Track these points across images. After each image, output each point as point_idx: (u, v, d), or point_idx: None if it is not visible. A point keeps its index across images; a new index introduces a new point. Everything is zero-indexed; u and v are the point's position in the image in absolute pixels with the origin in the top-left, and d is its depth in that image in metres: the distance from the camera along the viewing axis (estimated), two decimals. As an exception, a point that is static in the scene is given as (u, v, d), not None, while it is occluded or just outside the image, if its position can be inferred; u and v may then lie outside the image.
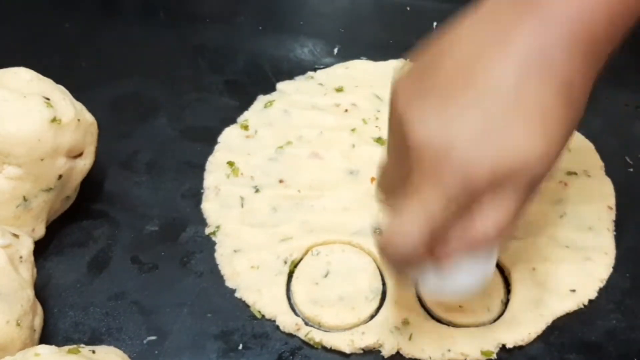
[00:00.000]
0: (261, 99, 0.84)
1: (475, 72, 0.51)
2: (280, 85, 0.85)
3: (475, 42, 0.52)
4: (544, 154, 0.51)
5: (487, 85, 0.51)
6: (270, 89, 0.85)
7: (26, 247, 0.63)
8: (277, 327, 0.66)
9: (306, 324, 0.66)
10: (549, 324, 0.67)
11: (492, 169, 0.50)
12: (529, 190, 0.52)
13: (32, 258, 0.63)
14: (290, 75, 0.87)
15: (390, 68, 0.88)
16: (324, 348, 0.65)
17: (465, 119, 0.50)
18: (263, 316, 0.67)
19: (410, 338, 0.65)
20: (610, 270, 0.70)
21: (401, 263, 0.54)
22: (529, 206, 0.54)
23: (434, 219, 0.51)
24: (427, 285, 0.57)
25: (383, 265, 0.69)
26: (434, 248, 0.53)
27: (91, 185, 0.74)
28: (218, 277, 0.69)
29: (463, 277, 0.55)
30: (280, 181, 0.76)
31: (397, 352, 0.65)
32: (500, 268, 0.70)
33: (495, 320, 0.67)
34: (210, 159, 0.78)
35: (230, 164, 0.77)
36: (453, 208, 0.51)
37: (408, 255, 0.52)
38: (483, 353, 0.64)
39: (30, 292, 0.61)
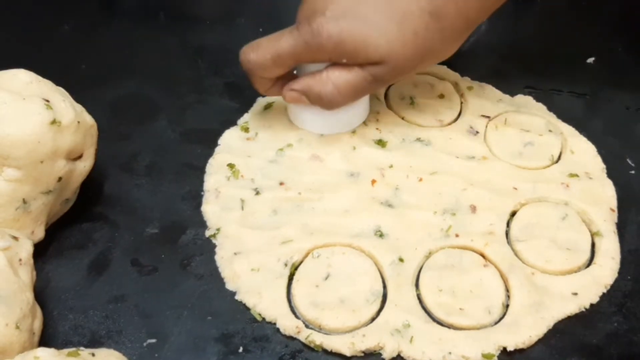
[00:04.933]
0: (260, 101, 0.84)
1: None
2: None
3: None
4: (389, 49, 0.68)
5: None
6: (270, 91, 0.85)
7: (25, 249, 0.63)
8: (278, 329, 0.66)
9: (307, 326, 0.66)
10: (550, 327, 0.67)
11: (339, 38, 0.67)
12: (372, 76, 0.70)
13: (31, 261, 0.63)
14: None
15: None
16: (325, 351, 0.65)
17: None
18: (263, 319, 0.67)
19: (411, 341, 0.65)
20: (616, 275, 0.70)
21: (253, 72, 0.74)
22: (370, 90, 0.73)
23: (281, 52, 0.70)
24: (290, 109, 0.80)
25: (382, 269, 0.69)
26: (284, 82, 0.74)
27: (91, 187, 0.74)
28: (218, 280, 0.69)
29: (304, 116, 0.78)
30: (281, 183, 0.75)
31: (398, 355, 0.65)
32: (500, 270, 0.70)
33: (496, 323, 0.67)
34: (211, 161, 0.78)
35: (231, 166, 0.77)
36: (300, 52, 0.70)
37: (258, 67, 0.72)
38: (484, 356, 0.64)
39: (29, 295, 0.60)
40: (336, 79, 0.71)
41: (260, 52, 0.71)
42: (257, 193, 0.75)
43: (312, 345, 0.65)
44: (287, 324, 0.66)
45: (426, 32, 0.68)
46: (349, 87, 0.71)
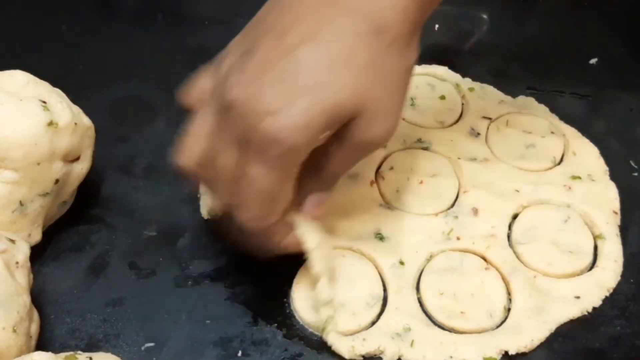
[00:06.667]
0: None
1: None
2: None
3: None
4: (358, 96, 0.56)
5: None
6: (270, 91, 0.85)
7: (22, 252, 0.62)
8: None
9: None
10: (552, 331, 0.66)
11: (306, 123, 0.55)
12: (287, 164, 0.57)
13: (28, 263, 0.63)
14: (290, 78, 0.86)
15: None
16: (324, 354, 0.64)
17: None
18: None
19: (411, 344, 0.64)
20: (619, 279, 0.70)
21: (186, 174, 0.63)
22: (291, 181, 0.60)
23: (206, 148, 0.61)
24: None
25: (382, 272, 0.69)
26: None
27: (88, 189, 0.73)
28: (217, 283, 0.69)
29: None
30: (280, 185, 0.75)
31: (399, 359, 0.64)
32: (502, 273, 0.69)
33: (497, 326, 0.66)
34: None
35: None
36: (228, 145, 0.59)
37: (188, 167, 0.62)
38: (485, 360, 0.64)
39: (26, 298, 0.60)
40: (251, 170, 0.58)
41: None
42: (257, 195, 0.74)
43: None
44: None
45: (380, 56, 0.58)
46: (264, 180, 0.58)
